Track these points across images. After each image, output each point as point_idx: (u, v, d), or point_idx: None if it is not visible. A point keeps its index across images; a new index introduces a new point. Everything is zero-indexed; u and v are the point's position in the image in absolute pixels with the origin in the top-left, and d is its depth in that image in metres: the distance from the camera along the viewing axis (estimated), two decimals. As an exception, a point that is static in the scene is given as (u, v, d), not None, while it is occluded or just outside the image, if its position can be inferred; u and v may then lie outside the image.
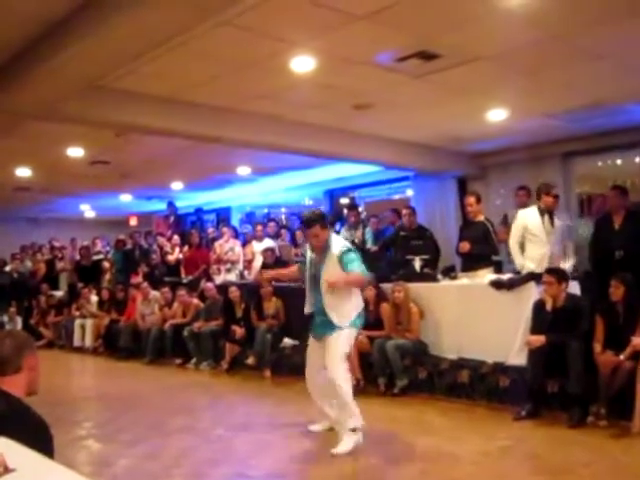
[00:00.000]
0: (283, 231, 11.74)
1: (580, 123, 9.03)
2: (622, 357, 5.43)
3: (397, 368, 6.99)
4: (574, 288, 6.73)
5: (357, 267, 4.94)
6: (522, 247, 7.03)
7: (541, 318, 5.98)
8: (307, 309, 5.30)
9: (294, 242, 11.29)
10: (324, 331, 5.03)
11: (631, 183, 9.63)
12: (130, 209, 17.25)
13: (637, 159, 10.04)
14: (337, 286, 4.86)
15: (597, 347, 5.66)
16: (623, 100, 8.05)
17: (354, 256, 5.00)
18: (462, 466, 4.26)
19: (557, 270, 6.17)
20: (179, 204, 14.90)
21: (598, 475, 4.19)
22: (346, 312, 5.01)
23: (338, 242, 5.11)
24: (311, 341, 5.29)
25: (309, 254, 5.21)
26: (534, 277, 6.52)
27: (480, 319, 6.83)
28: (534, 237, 6.98)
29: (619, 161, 10.81)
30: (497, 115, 8.63)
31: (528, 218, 7.07)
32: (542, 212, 7.02)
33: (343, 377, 4.93)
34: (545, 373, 5.80)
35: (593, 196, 8.86)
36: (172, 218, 14.13)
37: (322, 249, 5.01)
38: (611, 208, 7.29)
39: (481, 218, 7.71)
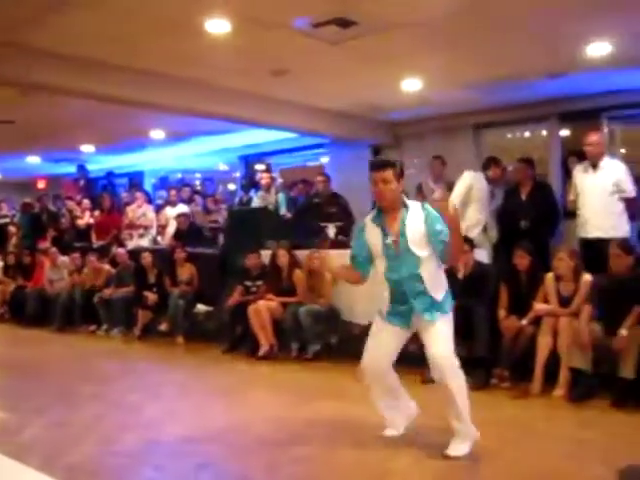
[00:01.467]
0: (196, 196, 11.61)
1: (492, 95, 9.24)
2: (524, 322, 5.69)
3: (310, 334, 7.07)
4: (482, 256, 6.96)
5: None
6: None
7: (451, 284, 6.13)
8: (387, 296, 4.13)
9: (206, 209, 11.21)
10: (426, 313, 4.01)
11: (538, 156, 9.95)
12: (38, 171, 16.61)
13: (544, 132, 10.37)
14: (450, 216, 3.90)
15: (501, 313, 5.89)
16: (534, 74, 8.26)
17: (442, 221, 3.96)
18: (369, 428, 4.37)
19: (466, 238, 6.34)
20: (90, 167, 14.47)
21: (499, 434, 4.37)
22: (439, 285, 4.10)
23: (416, 203, 4.08)
24: (383, 325, 4.17)
25: (378, 237, 4.02)
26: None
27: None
28: (476, 201, 7.21)
29: (527, 134, 11.16)
30: (412, 85, 8.72)
31: (476, 181, 7.31)
32: (488, 181, 7.28)
33: (458, 371, 4.02)
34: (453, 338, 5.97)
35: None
36: (82, 181, 13.75)
37: (395, 209, 3.98)
38: (518, 180, 7.52)
39: (394, 186, 7.81)
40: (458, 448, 3.97)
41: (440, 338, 4.01)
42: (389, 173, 3.93)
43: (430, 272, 4.00)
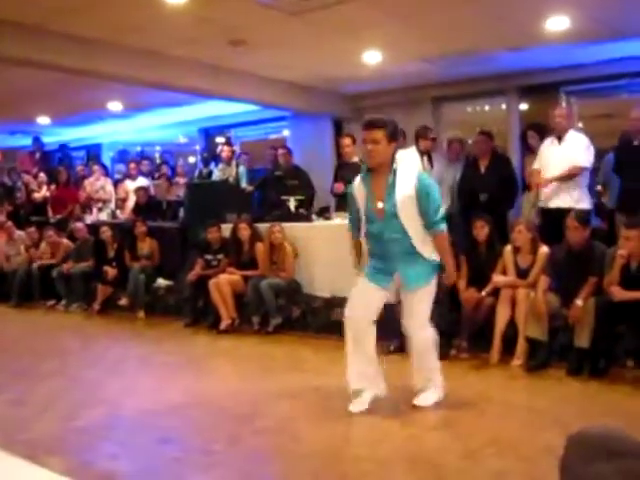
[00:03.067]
0: (164, 167, 11.45)
1: (452, 69, 9.27)
2: (484, 293, 5.77)
3: (271, 307, 7.08)
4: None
5: (441, 219, 4.08)
6: None
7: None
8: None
9: (174, 175, 11.12)
10: (411, 279, 4.08)
11: (497, 129, 10.03)
12: (-9, 144, 16.23)
13: (503, 106, 10.45)
14: None
15: (461, 284, 5.95)
16: (493, 47, 8.31)
17: (437, 195, 4.05)
18: (331, 400, 4.42)
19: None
20: (46, 140, 14.14)
21: (458, 403, 4.46)
22: (430, 245, 4.11)
23: (409, 166, 4.17)
24: (365, 282, 4.22)
25: (364, 199, 4.06)
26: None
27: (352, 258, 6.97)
28: None
29: (487, 107, 11.24)
30: (372, 57, 8.70)
31: (407, 158, 7.34)
32: (421, 153, 7.37)
33: (434, 338, 4.27)
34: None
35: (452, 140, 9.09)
36: (38, 154, 13.46)
37: (384, 171, 3.99)
38: (477, 152, 7.58)
39: (356, 159, 7.85)
40: (428, 398, 4.32)
41: (417, 310, 4.17)
42: (378, 133, 3.92)
43: (419, 232, 4.03)
